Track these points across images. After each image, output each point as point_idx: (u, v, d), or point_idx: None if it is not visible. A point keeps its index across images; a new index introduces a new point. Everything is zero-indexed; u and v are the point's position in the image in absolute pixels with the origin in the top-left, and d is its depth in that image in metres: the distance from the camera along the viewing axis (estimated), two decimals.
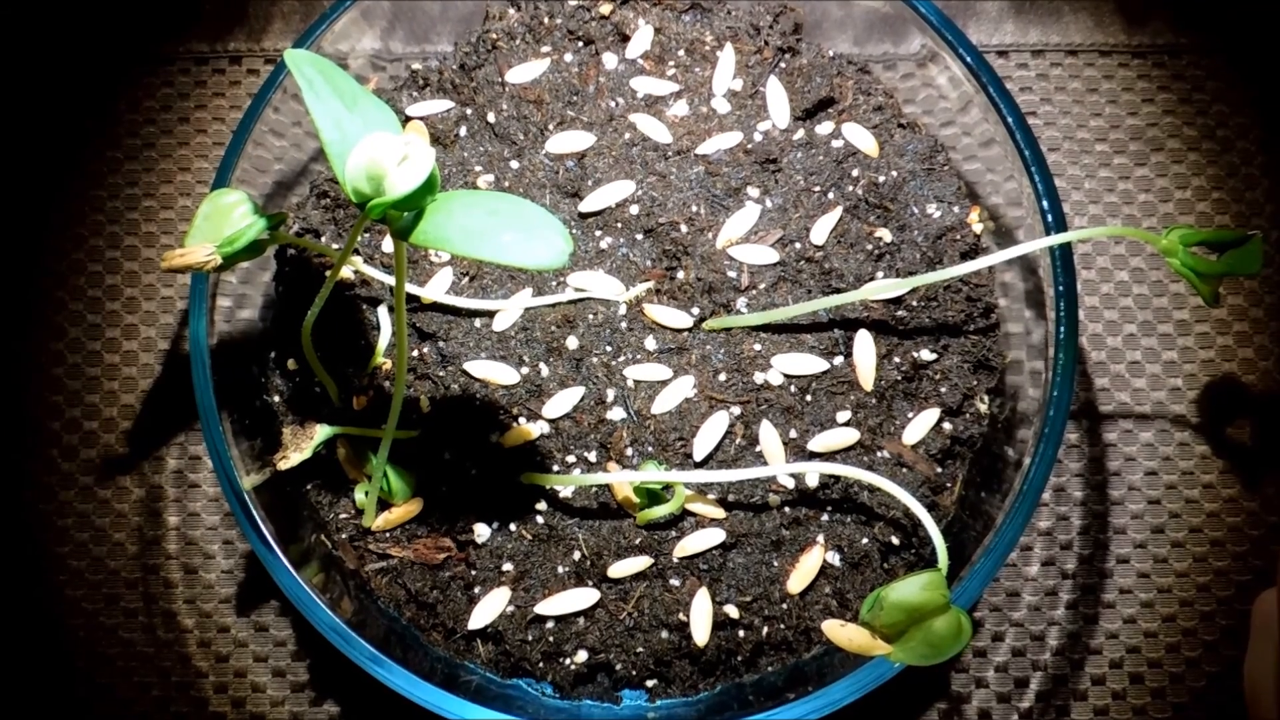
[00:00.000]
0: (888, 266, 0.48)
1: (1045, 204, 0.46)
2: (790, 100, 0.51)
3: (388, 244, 0.49)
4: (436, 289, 0.48)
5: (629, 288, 0.48)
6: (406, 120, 0.51)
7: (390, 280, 0.48)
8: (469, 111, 0.51)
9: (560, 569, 0.46)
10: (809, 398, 0.47)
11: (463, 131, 0.51)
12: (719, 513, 0.46)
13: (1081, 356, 0.54)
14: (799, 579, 0.45)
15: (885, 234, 0.49)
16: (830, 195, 0.49)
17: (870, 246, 0.48)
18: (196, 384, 0.45)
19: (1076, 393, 0.53)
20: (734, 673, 0.46)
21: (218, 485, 0.52)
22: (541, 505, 0.46)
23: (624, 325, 0.47)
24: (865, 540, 0.46)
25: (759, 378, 0.47)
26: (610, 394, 0.47)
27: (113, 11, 0.58)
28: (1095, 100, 0.57)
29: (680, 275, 0.48)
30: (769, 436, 0.46)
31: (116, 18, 0.58)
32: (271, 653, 0.51)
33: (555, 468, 0.46)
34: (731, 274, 0.48)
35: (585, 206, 0.49)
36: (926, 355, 0.48)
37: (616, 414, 0.46)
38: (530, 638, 0.45)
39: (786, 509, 0.46)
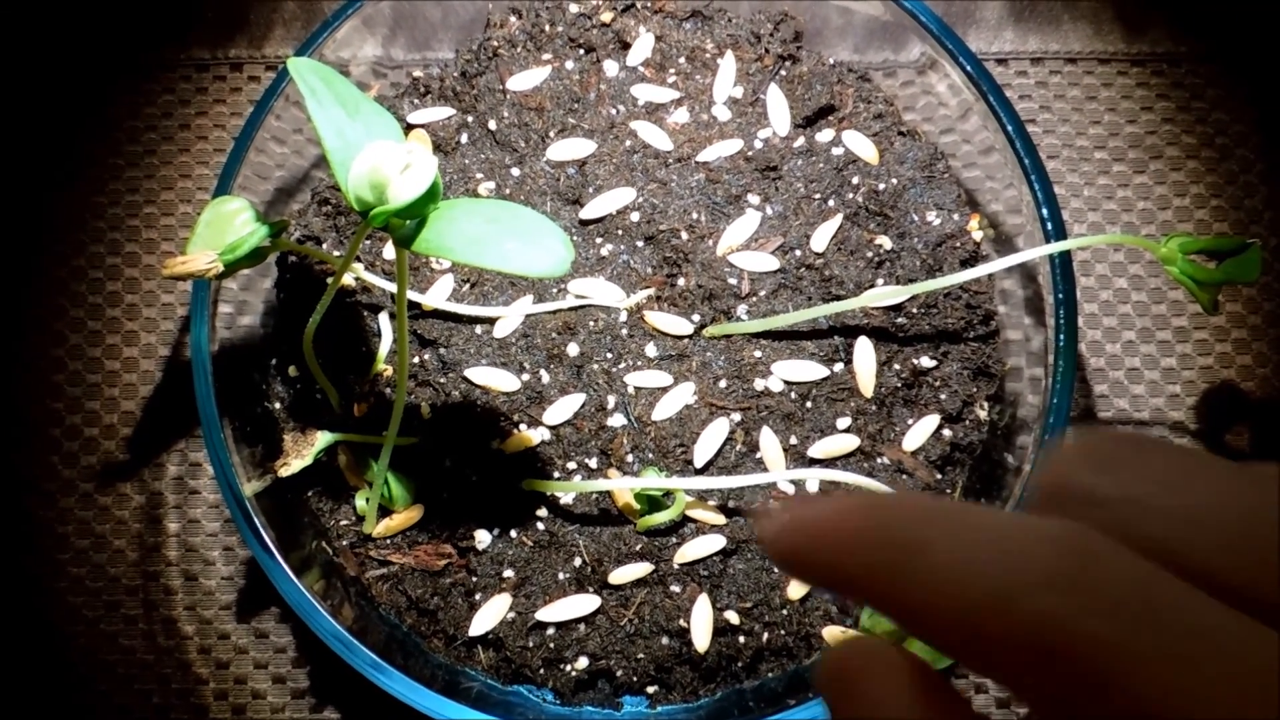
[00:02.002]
0: (888, 274, 0.49)
1: (1045, 212, 0.46)
2: (791, 108, 0.51)
3: (389, 251, 0.49)
4: (437, 296, 0.48)
5: (629, 295, 0.48)
6: (408, 128, 0.51)
7: (391, 287, 0.48)
8: (470, 119, 0.51)
9: (561, 575, 0.46)
10: (809, 404, 0.47)
11: (464, 138, 0.51)
12: (719, 519, 0.46)
13: (1080, 363, 0.54)
14: (799, 585, 0.45)
15: (885, 241, 0.49)
16: (831, 202, 0.49)
17: (870, 254, 0.48)
18: (198, 391, 0.45)
19: (1076, 399, 0.54)
20: (734, 679, 0.46)
21: (218, 492, 0.52)
22: (542, 512, 0.46)
23: (624, 332, 0.47)
24: None
25: (759, 384, 0.47)
26: (611, 400, 0.47)
27: (114, 18, 0.58)
28: (1094, 108, 0.57)
29: (681, 282, 0.48)
30: (769, 443, 0.46)
31: (117, 24, 0.58)
32: (272, 659, 0.51)
33: (556, 474, 0.46)
34: (732, 281, 0.48)
35: (586, 214, 0.49)
36: (926, 362, 0.48)
37: (617, 420, 0.46)
38: (531, 644, 0.45)
39: None
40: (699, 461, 0.46)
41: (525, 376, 0.47)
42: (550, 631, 0.45)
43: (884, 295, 0.46)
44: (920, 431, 0.47)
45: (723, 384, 0.47)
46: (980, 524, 0.18)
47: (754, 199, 0.49)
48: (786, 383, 0.47)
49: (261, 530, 0.44)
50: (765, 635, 0.45)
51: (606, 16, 0.52)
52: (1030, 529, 0.18)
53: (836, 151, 0.50)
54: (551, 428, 0.47)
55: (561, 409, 0.46)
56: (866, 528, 0.19)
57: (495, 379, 0.47)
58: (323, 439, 0.45)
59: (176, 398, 0.54)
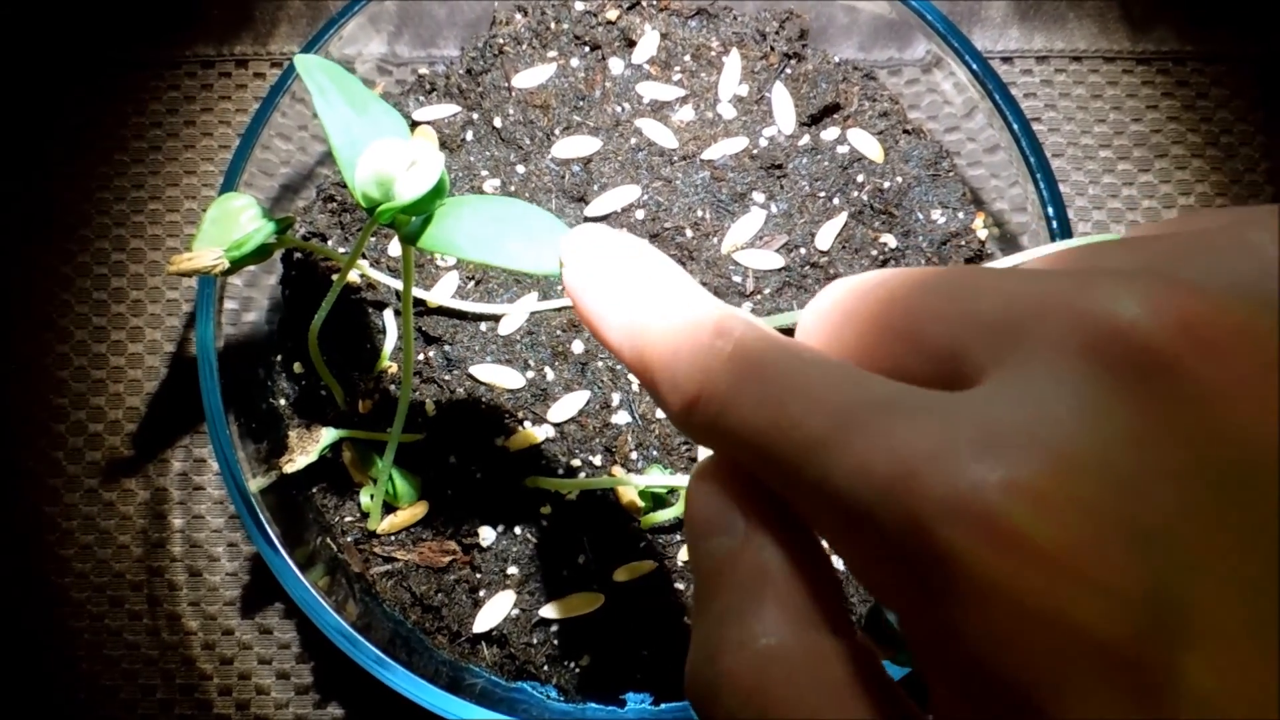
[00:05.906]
0: None
1: (1050, 210, 0.46)
2: (796, 106, 0.51)
3: (394, 248, 0.49)
4: (442, 293, 0.48)
5: None
6: (414, 125, 0.51)
7: (396, 284, 0.48)
8: (475, 116, 0.51)
9: (565, 573, 0.46)
10: None
11: (469, 136, 0.51)
12: None
13: None
14: None
15: (890, 240, 0.49)
16: (835, 201, 0.49)
17: (875, 252, 0.48)
18: (204, 388, 0.45)
19: None
20: None
21: (223, 488, 0.53)
22: (546, 509, 0.46)
23: None
24: None
25: None
26: (615, 398, 0.47)
27: (119, 15, 0.58)
28: (1099, 106, 0.57)
29: None
30: None
31: (123, 21, 0.58)
32: (276, 655, 0.51)
33: (560, 471, 0.46)
34: (737, 279, 0.48)
35: (591, 211, 0.49)
36: None
37: (621, 418, 0.47)
38: (535, 641, 0.45)
39: None
40: (703, 459, 0.46)
41: (530, 374, 0.47)
42: (554, 628, 0.45)
43: None
44: None
45: None
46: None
47: (759, 197, 0.49)
48: None
49: (266, 526, 0.44)
50: None
51: (612, 14, 0.52)
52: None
53: (841, 150, 0.50)
54: (556, 425, 0.47)
55: (566, 406, 0.46)
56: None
57: (500, 376, 0.47)
58: (327, 435, 0.45)
59: (181, 393, 0.54)
